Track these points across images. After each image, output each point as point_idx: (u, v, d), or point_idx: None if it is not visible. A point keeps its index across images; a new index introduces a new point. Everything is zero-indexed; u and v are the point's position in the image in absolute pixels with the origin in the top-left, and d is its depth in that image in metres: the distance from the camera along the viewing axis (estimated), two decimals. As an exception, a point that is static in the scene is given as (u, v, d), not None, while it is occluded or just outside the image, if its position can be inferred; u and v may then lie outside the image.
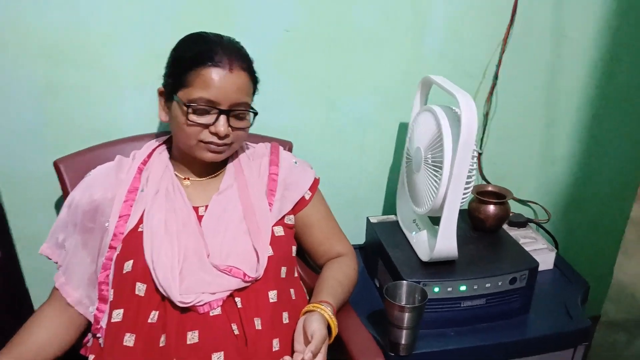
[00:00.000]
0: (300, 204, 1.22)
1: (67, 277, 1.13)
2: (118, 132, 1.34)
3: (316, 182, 1.27)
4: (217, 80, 1.05)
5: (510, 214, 1.57)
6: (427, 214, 1.25)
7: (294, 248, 1.23)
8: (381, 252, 1.36)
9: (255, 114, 1.14)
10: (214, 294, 1.05)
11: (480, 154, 1.60)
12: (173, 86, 1.10)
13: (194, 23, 1.18)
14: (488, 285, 1.24)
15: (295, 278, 1.23)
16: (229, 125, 1.08)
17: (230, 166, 1.21)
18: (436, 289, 1.22)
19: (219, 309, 1.05)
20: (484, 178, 1.63)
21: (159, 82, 1.13)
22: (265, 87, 1.38)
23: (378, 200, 1.61)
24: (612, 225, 1.80)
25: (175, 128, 1.13)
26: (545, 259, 1.47)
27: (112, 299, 1.07)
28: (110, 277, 1.09)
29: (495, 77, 1.49)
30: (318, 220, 1.26)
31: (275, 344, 1.06)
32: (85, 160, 1.26)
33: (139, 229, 1.09)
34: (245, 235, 1.12)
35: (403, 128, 1.53)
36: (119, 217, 1.11)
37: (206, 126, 1.07)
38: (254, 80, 1.14)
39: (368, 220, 1.47)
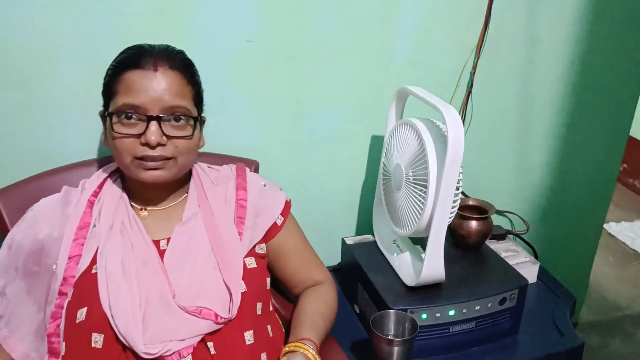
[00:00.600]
0: (272, 231, 1.11)
1: (10, 329, 0.98)
2: (63, 158, 1.19)
3: (288, 205, 1.16)
4: (141, 82, 0.93)
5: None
6: (410, 235, 1.16)
7: (268, 280, 1.11)
8: (361, 277, 1.26)
9: (196, 119, 1.00)
10: (182, 340, 0.92)
11: (455, 165, 1.53)
12: (106, 102, 0.99)
13: (144, 36, 1.05)
14: (478, 307, 1.16)
15: (271, 312, 1.11)
16: (164, 134, 0.95)
17: (192, 192, 1.09)
18: (424, 316, 1.13)
19: (190, 357, 0.92)
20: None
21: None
22: (227, 103, 1.27)
23: (351, 219, 1.52)
24: (589, 231, 1.77)
25: (111, 149, 1.00)
26: (529, 272, 1.41)
27: (64, 353, 0.93)
28: (62, 327, 0.94)
29: (470, 85, 1.42)
30: (292, 246, 1.15)
31: (256, 390, 0.95)
32: (26, 192, 1.11)
33: (93, 271, 0.96)
34: (215, 271, 1.00)
35: (376, 142, 1.44)
36: (69, 258, 0.97)
37: (137, 137, 0.94)
38: (193, 83, 1.01)
39: (344, 241, 1.37)
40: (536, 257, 1.56)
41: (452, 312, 1.15)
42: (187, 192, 1.09)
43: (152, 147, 0.95)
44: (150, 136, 0.93)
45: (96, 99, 1.13)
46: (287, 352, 0.97)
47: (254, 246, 1.08)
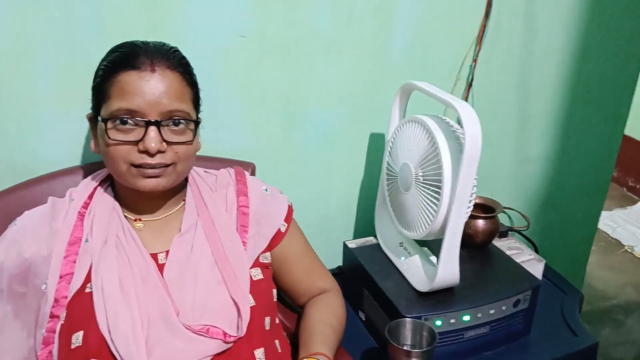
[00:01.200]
0: (276, 239, 1.04)
1: (-5, 358, 0.90)
2: (46, 165, 1.10)
3: (290, 210, 1.09)
4: (137, 84, 0.85)
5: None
6: (421, 238, 1.11)
7: (275, 292, 1.05)
8: (367, 282, 1.21)
9: (197, 123, 0.93)
10: (190, 362, 0.85)
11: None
12: (96, 106, 0.90)
13: (127, 34, 0.97)
14: (492, 311, 1.12)
15: (278, 325, 1.05)
16: (163, 140, 0.87)
17: (190, 200, 1.01)
18: (438, 323, 1.08)
19: (198, 380, 0.85)
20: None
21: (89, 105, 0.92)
22: (219, 102, 1.19)
23: (350, 220, 1.46)
24: (585, 223, 1.75)
25: (103, 156, 0.91)
26: (535, 270, 1.37)
27: (58, 383, 0.85)
28: (55, 353, 0.86)
29: (471, 77, 1.38)
30: (296, 253, 1.09)
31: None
32: (7, 205, 1.02)
33: (87, 290, 0.88)
34: (220, 285, 0.93)
35: (375, 140, 1.38)
36: (60, 277, 0.89)
37: (134, 144, 0.86)
38: (192, 84, 0.93)
39: (345, 245, 1.30)
40: (537, 253, 1.52)
41: (466, 318, 1.10)
42: (184, 200, 1.02)
43: (152, 155, 0.87)
44: (150, 143, 0.86)
45: (75, 102, 1.04)
46: (300, 367, 0.91)
47: (259, 256, 1.01)
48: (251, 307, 0.93)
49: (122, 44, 0.91)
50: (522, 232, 1.53)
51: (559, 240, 1.74)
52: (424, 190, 1.06)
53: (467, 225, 1.27)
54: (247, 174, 1.09)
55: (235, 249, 0.96)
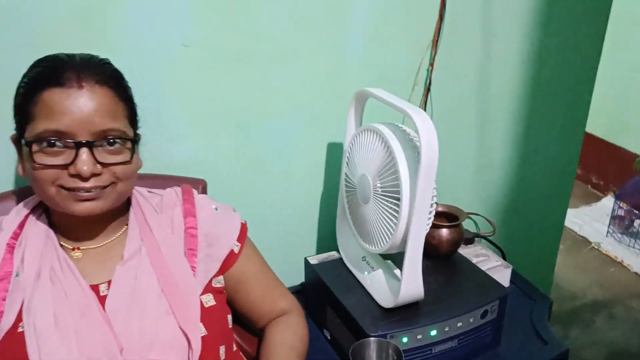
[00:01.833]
0: (229, 260, 0.98)
1: None
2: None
3: (244, 228, 1.03)
4: (63, 102, 0.78)
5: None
6: (383, 252, 1.05)
7: (230, 317, 0.98)
8: (330, 300, 1.15)
9: (133, 141, 0.86)
10: (136, 403, 0.78)
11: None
12: (20, 126, 0.82)
13: (57, 45, 0.88)
14: (460, 324, 1.07)
15: (235, 353, 0.98)
16: (97, 162, 0.80)
17: (133, 224, 0.94)
18: (405, 340, 1.03)
19: (146, 421, 0.78)
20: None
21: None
22: (164, 116, 1.13)
23: (311, 235, 1.40)
24: (551, 226, 1.72)
25: (31, 181, 0.84)
26: (502, 277, 1.34)
27: None
28: (-16, 402, 0.78)
29: (428, 82, 1.34)
30: (253, 274, 1.03)
31: None
32: None
33: (19, 329, 0.80)
34: (168, 316, 0.86)
35: (334, 150, 1.32)
36: (-12, 316, 0.80)
37: (64, 167, 0.79)
38: (126, 99, 0.86)
39: (307, 261, 1.24)
40: (504, 259, 1.49)
41: (434, 332, 1.05)
42: (126, 225, 0.94)
43: (85, 179, 0.80)
44: (82, 166, 0.78)
45: (3, 120, 0.95)
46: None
47: (210, 280, 0.95)
48: (203, 337, 0.86)
49: (44, 57, 0.83)
50: (488, 237, 1.49)
51: (526, 244, 1.71)
52: (383, 202, 1.01)
53: (430, 235, 1.23)
54: (195, 192, 1.02)
55: (183, 275, 0.90)
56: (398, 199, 0.97)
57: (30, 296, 0.82)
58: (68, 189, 0.81)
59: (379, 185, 1.01)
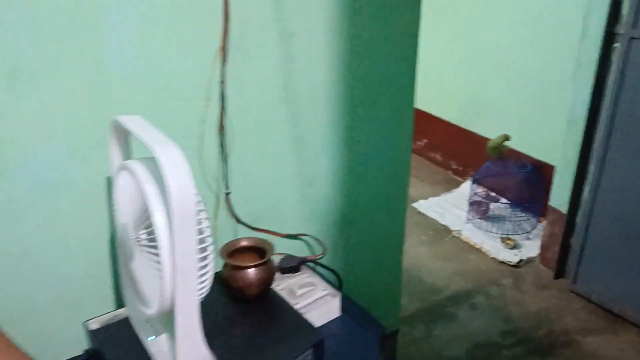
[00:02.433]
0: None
1: None
2: None
3: None
4: None
5: (281, 257, 1.27)
6: (157, 316, 0.86)
7: None
8: (111, 375, 0.94)
9: None
10: None
11: (228, 194, 1.25)
12: None
13: None
14: (265, 387, 0.91)
15: None
16: None
17: None
18: (194, 420, 0.84)
19: None
20: (239, 221, 1.29)
21: None
22: None
23: (98, 292, 1.16)
24: (392, 232, 1.61)
25: None
26: (330, 307, 1.19)
27: None
28: None
29: (222, 97, 1.15)
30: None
31: None
32: None
33: None
34: None
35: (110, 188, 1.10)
36: None
37: None
38: None
39: (86, 326, 1.02)
40: (340, 282, 1.36)
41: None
42: None
43: None
44: None
45: None
46: None
47: None
48: None
49: None
50: (318, 260, 1.35)
51: (366, 258, 1.59)
52: (145, 258, 0.81)
53: (233, 277, 1.06)
54: None
55: None
56: (159, 255, 0.77)
57: None
58: None
59: (140, 237, 0.81)
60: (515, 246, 2.77)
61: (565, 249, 2.52)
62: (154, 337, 0.95)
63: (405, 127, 1.49)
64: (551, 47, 2.74)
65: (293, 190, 1.36)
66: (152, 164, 0.82)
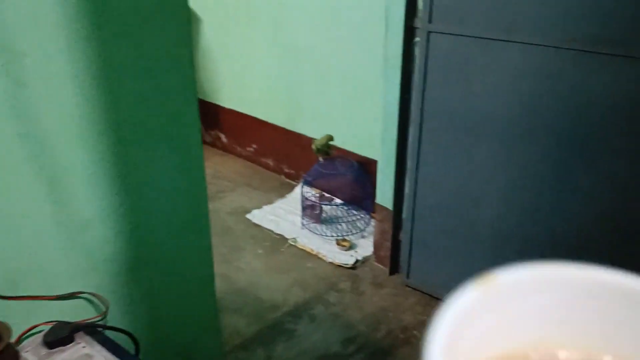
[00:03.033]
0: None
1: None
2: None
3: None
4: None
5: (50, 326, 1.04)
6: None
7: None
8: None
9: None
10: None
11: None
12: None
13: None
14: None
15: None
16: None
17: None
18: None
19: None
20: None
21: None
22: None
23: None
24: (195, 264, 1.43)
25: None
26: (112, 382, 0.99)
27: None
28: None
29: None
30: None
31: None
32: None
33: None
34: None
35: None
36: None
37: None
38: None
39: None
40: (135, 343, 1.15)
41: None
42: None
43: None
44: None
45: None
46: None
47: None
48: None
49: None
50: (101, 322, 1.13)
51: (171, 302, 1.39)
52: None
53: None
54: None
55: None
56: None
57: None
58: None
59: None
60: (350, 247, 2.73)
61: (396, 244, 2.52)
62: None
63: (192, 144, 1.31)
64: (359, 45, 2.73)
65: (59, 241, 1.12)
66: None
